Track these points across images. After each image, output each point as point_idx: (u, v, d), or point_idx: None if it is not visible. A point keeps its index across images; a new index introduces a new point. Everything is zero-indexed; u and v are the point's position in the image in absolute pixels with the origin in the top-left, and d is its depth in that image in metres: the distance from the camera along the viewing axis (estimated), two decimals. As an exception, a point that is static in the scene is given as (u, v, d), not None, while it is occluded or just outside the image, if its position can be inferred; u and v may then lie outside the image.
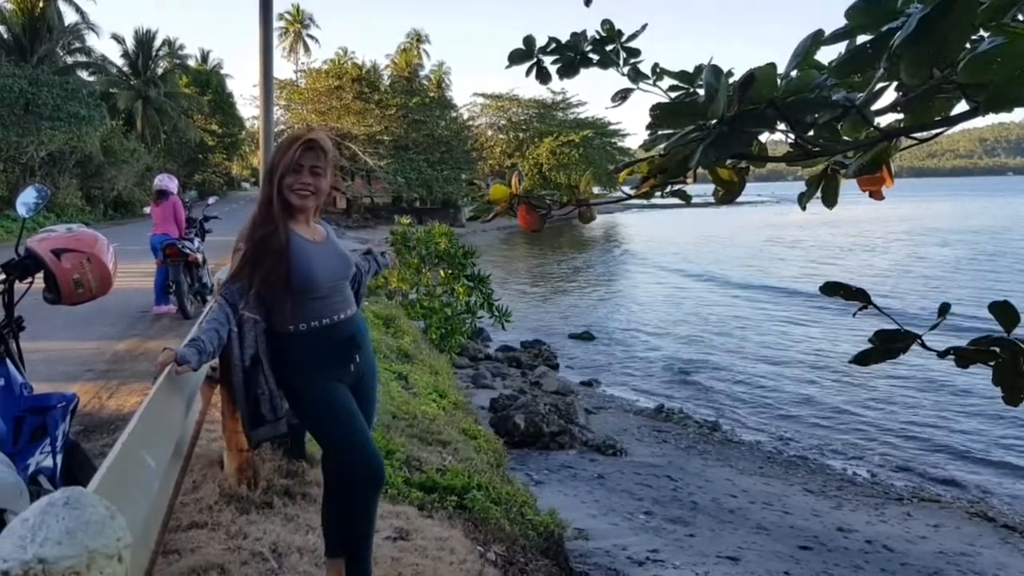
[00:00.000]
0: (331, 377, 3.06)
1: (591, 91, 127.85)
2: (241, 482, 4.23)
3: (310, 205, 3.05)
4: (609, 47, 2.09)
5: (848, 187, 1.96)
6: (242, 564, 3.46)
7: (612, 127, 67.13)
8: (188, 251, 10.41)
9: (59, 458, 2.74)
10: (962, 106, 1.48)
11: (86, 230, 3.08)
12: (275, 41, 6.38)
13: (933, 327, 1.52)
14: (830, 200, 1.94)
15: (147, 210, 11.47)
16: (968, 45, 1.27)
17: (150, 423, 2.57)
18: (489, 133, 68.91)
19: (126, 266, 7.26)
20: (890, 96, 1.57)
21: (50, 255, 2.86)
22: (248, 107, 59.16)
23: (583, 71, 2.14)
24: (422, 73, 61.16)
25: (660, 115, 1.66)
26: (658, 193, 1.91)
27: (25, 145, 29.79)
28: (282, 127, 49.43)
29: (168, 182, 10.95)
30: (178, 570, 3.34)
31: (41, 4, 36.08)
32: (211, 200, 13.66)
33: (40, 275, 2.92)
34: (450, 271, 13.41)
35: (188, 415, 3.51)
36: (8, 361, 2.77)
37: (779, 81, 1.50)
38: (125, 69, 49.23)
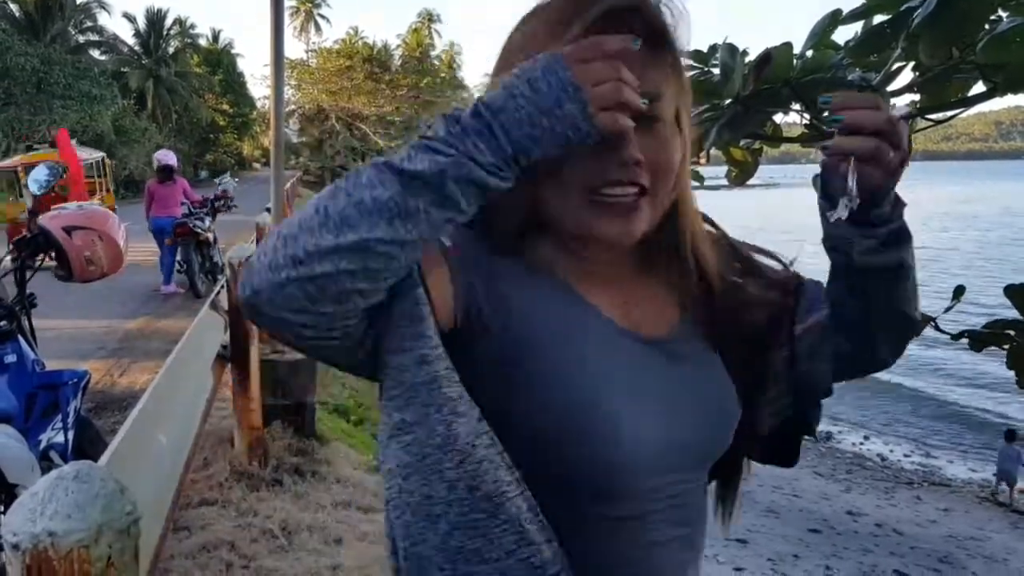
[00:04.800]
0: None
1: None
2: (251, 460, 4.25)
3: (641, 225, 0.87)
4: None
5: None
6: (252, 541, 3.49)
7: (625, 108, 66.71)
8: (199, 230, 10.39)
9: (71, 434, 2.76)
10: (979, 87, 1.46)
11: (98, 208, 3.09)
12: (286, 20, 6.33)
13: (947, 309, 1.50)
14: (844, 182, 1.92)
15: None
16: (987, 26, 1.25)
17: (161, 401, 2.59)
18: (500, 114, 68.58)
19: (137, 244, 7.28)
20: (906, 76, 1.55)
21: (62, 232, 2.87)
22: (259, 87, 58.91)
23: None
24: (433, 53, 60.75)
25: (673, 94, 1.64)
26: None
27: (37, 124, 29.83)
28: (292, 107, 49.32)
29: (161, 156, 10.78)
30: (188, 546, 3.37)
31: (53, -18, 36.08)
32: (225, 178, 13.57)
33: (52, 253, 2.93)
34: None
35: (199, 393, 3.53)
36: (20, 338, 2.79)
37: (795, 61, 1.48)
38: (136, 48, 49.14)
